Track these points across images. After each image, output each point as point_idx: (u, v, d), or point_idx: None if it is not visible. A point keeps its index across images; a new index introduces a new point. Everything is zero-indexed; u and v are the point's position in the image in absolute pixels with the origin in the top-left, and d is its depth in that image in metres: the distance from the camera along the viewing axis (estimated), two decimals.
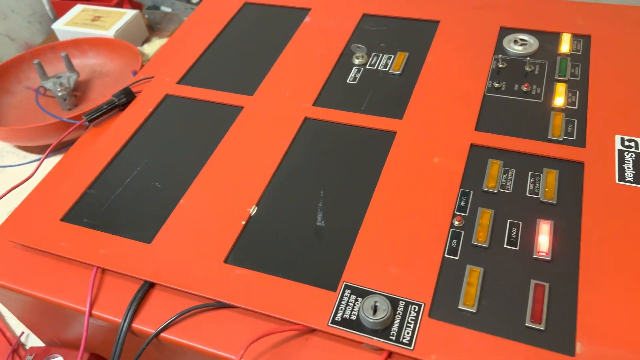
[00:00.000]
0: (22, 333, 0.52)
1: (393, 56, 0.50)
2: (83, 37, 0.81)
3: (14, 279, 0.38)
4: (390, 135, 0.43)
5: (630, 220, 0.35)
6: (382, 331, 0.31)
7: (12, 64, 0.78)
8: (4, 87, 0.77)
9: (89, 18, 0.85)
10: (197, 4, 0.84)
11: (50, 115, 0.70)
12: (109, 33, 0.80)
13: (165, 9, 0.87)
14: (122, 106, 0.49)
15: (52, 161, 0.69)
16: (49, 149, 0.50)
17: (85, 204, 0.41)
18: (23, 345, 0.51)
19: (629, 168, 0.38)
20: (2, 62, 0.78)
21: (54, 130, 0.66)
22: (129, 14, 0.84)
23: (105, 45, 0.80)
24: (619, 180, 0.37)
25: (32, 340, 0.50)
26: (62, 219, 0.40)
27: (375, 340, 0.31)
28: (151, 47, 0.82)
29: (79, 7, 0.87)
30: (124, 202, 0.41)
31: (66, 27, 0.84)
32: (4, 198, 0.58)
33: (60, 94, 0.73)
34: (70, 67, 0.76)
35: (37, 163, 0.67)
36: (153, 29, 0.88)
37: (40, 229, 0.39)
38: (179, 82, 0.50)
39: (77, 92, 0.76)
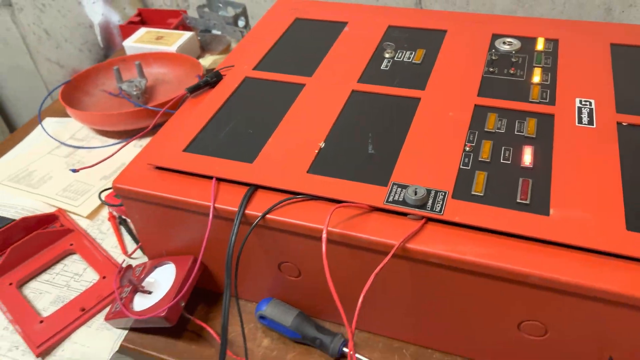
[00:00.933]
0: (124, 260, 0.66)
1: (414, 52, 0.68)
2: (148, 52, 0.98)
3: (152, 187, 0.53)
4: (416, 100, 0.59)
5: (582, 145, 0.51)
6: (421, 206, 0.46)
7: (90, 71, 0.95)
8: (84, 90, 0.93)
9: (153, 37, 1.03)
10: (244, 27, 1.02)
11: (135, 104, 0.86)
12: (172, 48, 0.98)
13: (215, 32, 1.05)
14: (213, 84, 0.66)
15: (131, 144, 0.85)
16: (141, 132, 0.66)
17: (199, 142, 0.57)
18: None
19: (584, 116, 0.54)
20: (82, 70, 0.95)
21: (135, 117, 0.82)
22: (186, 34, 1.02)
23: (167, 59, 0.97)
24: (578, 124, 0.54)
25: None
26: (184, 150, 0.55)
27: (417, 211, 0.46)
28: (205, 61, 1.00)
29: (143, 30, 1.05)
30: (227, 141, 0.56)
31: (135, 44, 1.02)
32: (98, 168, 0.74)
33: (135, 93, 0.89)
34: (141, 73, 0.93)
35: (118, 146, 0.83)
36: (204, 49, 1.06)
37: (168, 156, 0.55)
38: (254, 68, 0.67)
39: (146, 94, 0.92)
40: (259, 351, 0.55)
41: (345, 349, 0.53)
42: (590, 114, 0.55)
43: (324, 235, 0.44)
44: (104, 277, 0.63)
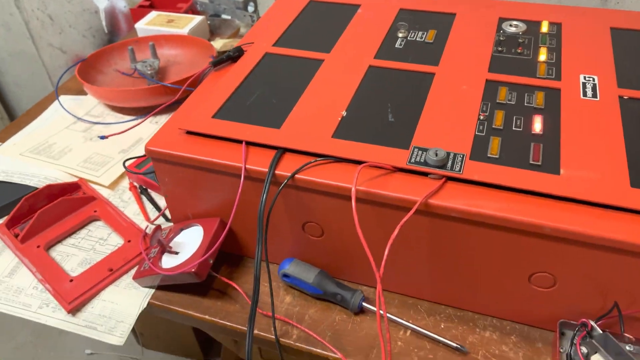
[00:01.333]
0: (147, 227, 0.68)
1: (426, 32, 0.71)
2: (160, 34, 1.01)
3: (184, 149, 0.55)
4: (431, 75, 0.63)
5: (588, 115, 0.55)
6: (441, 166, 0.50)
7: (104, 51, 0.97)
8: (98, 68, 0.96)
9: (164, 21, 1.05)
10: (253, 12, 1.05)
11: (151, 81, 0.89)
12: (184, 31, 1.01)
13: (225, 16, 1.08)
14: (235, 59, 0.69)
15: (147, 121, 0.87)
16: (160, 107, 0.68)
17: (227, 109, 0.59)
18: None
19: (588, 91, 0.59)
20: (96, 50, 0.97)
21: (151, 94, 0.85)
22: (197, 18, 1.04)
23: (179, 41, 1.00)
24: (583, 97, 0.58)
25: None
26: (213, 116, 0.58)
27: (438, 170, 0.49)
28: (215, 44, 1.02)
29: (154, 13, 1.08)
30: (253, 109, 0.59)
31: (146, 26, 1.04)
32: (116, 142, 0.77)
33: (149, 72, 0.92)
34: (154, 54, 0.95)
35: (133, 122, 0.85)
36: (213, 33, 1.09)
37: (199, 121, 0.57)
38: (274, 45, 0.70)
39: (159, 74, 0.95)
40: (282, 307, 0.58)
41: (365, 304, 0.56)
42: (594, 89, 0.59)
43: (354, 189, 0.48)
44: (129, 241, 0.65)
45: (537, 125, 0.55)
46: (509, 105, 0.58)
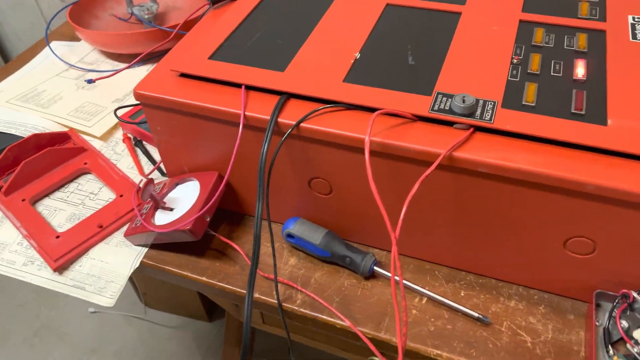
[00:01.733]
0: (141, 181, 0.63)
1: None
2: None
3: (177, 94, 0.49)
4: (457, 15, 0.56)
5: (637, 59, 0.48)
6: (469, 114, 0.43)
7: None
8: (93, 13, 0.89)
9: None
10: None
11: (148, 24, 0.82)
12: None
13: None
14: None
15: (144, 69, 0.81)
16: (153, 50, 0.62)
17: (226, 50, 0.53)
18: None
19: (638, 33, 0.51)
20: None
21: (148, 39, 0.78)
22: None
23: None
24: (632, 39, 0.50)
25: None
26: (210, 57, 0.52)
27: (465, 119, 0.43)
28: None
29: None
30: (255, 50, 0.53)
31: None
32: (110, 91, 0.70)
33: (146, 17, 0.85)
34: None
35: (129, 70, 0.79)
36: None
37: (194, 63, 0.51)
38: None
39: (157, 20, 0.88)
40: (285, 269, 0.53)
41: (376, 268, 0.51)
42: None
43: (367, 139, 0.42)
44: (121, 196, 0.60)
45: (580, 70, 0.48)
46: (547, 49, 0.50)
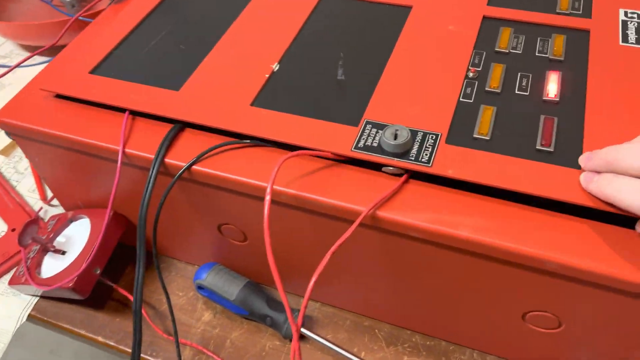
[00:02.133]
0: (41, 208, 0.54)
1: None
2: None
3: (47, 123, 0.39)
4: (406, 10, 0.45)
5: (629, 71, 0.37)
6: (402, 154, 0.33)
7: None
8: None
9: None
10: None
11: (63, 14, 0.71)
12: None
13: None
14: None
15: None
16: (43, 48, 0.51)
17: (113, 61, 0.43)
18: (42, 219, 0.53)
19: (631, 33, 0.40)
20: None
21: (62, 29, 0.67)
22: None
23: None
24: (623, 42, 0.40)
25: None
26: (91, 72, 0.41)
27: (396, 161, 0.33)
28: None
29: None
30: (150, 60, 0.42)
31: None
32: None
33: (68, 0, 0.73)
34: None
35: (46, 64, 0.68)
36: None
37: (70, 80, 0.41)
38: None
39: (84, 2, 0.76)
40: (197, 327, 0.44)
41: (304, 330, 0.42)
42: (639, 30, 0.41)
43: (267, 198, 0.32)
44: (12, 230, 0.51)
45: (552, 87, 0.37)
46: (513, 56, 0.40)
